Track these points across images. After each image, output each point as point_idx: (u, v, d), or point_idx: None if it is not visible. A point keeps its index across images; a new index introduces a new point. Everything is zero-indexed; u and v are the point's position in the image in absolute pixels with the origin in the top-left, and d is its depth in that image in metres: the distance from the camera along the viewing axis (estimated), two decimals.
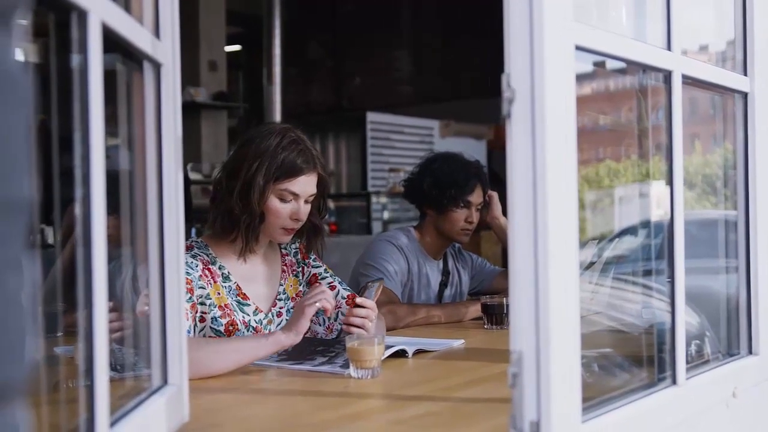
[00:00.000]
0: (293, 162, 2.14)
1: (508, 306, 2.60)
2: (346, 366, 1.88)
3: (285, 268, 2.35)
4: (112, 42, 1.09)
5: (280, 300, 2.31)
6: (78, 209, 0.99)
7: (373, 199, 7.39)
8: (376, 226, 7.29)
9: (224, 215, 2.17)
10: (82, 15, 0.98)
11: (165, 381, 1.35)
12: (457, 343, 2.31)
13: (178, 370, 1.37)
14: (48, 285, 1.96)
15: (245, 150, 2.16)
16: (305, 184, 2.17)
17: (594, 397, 1.31)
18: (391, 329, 2.64)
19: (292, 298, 2.33)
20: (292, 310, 2.29)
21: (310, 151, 2.18)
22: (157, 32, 1.33)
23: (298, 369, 1.95)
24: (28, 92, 0.56)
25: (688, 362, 1.52)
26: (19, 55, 0.55)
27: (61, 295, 1.64)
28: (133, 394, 1.28)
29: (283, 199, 2.16)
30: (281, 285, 2.32)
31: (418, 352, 2.15)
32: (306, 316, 1.95)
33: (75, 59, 0.99)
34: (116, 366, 1.33)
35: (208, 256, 2.19)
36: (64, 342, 1.38)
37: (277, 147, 2.13)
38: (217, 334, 2.13)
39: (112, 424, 1.07)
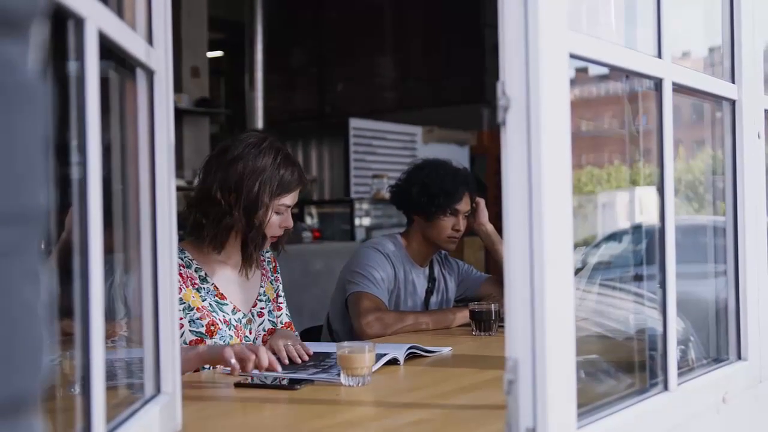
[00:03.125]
0: (291, 179, 2.25)
1: (496, 312, 2.61)
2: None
3: (264, 271, 2.43)
4: (106, 49, 1.09)
5: (261, 300, 2.38)
6: (74, 217, 0.99)
7: (356, 205, 7.37)
8: (360, 233, 7.27)
9: (224, 232, 2.22)
10: (79, 22, 0.97)
11: (158, 390, 1.34)
12: (446, 350, 2.31)
13: (171, 379, 1.36)
14: None
15: (239, 166, 2.20)
16: (296, 196, 2.30)
17: (588, 404, 1.31)
18: (379, 336, 2.64)
19: (272, 300, 2.41)
20: (272, 312, 2.39)
21: (298, 164, 2.32)
22: (150, 39, 1.32)
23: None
24: (46, 102, 0.55)
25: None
26: (36, 65, 0.55)
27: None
28: (126, 403, 1.27)
29: (278, 213, 2.26)
30: (262, 287, 2.39)
31: (410, 355, 2.15)
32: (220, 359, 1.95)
33: (71, 66, 0.99)
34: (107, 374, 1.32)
35: (182, 259, 2.22)
36: (56, 350, 1.37)
37: (273, 165, 2.23)
38: (198, 336, 2.16)
39: None
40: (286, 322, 2.43)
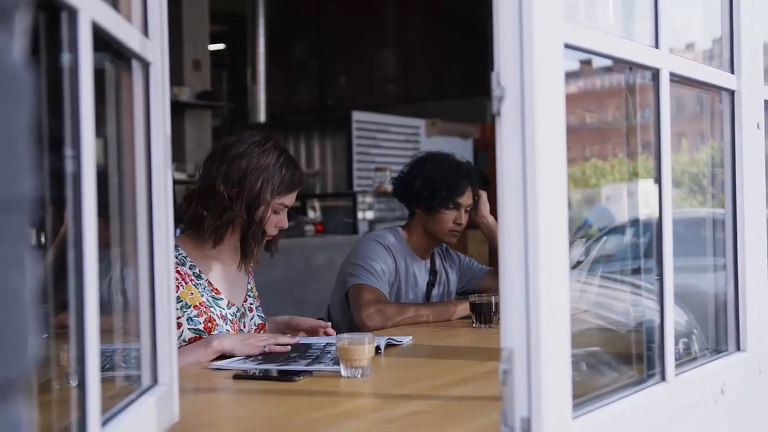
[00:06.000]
0: (292, 179, 2.29)
1: (496, 305, 2.61)
2: (337, 362, 1.87)
3: (250, 269, 2.46)
4: (101, 40, 1.09)
5: (249, 296, 2.42)
6: (68, 210, 0.99)
7: (359, 198, 7.37)
8: (362, 226, 7.28)
9: (224, 226, 2.25)
10: (73, 13, 0.97)
11: (155, 381, 1.35)
12: (407, 339, 2.34)
13: (168, 370, 1.37)
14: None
15: (243, 163, 2.24)
16: (294, 197, 2.34)
17: (584, 394, 1.31)
18: (379, 328, 2.65)
19: (257, 296, 2.46)
20: (259, 308, 2.44)
21: (299, 166, 2.36)
22: (145, 31, 1.32)
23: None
24: (30, 90, 0.56)
25: (676, 359, 1.53)
26: (21, 54, 0.55)
27: (47, 296, 1.63)
28: (123, 394, 1.28)
29: (276, 212, 2.29)
30: (249, 283, 2.44)
31: (388, 346, 2.19)
32: (245, 351, 2.08)
33: (65, 58, 0.99)
34: (104, 366, 1.33)
35: (177, 257, 2.23)
36: (53, 343, 1.37)
37: (276, 164, 2.26)
38: (197, 333, 2.17)
39: (103, 423, 1.07)
40: (259, 324, 2.43)
